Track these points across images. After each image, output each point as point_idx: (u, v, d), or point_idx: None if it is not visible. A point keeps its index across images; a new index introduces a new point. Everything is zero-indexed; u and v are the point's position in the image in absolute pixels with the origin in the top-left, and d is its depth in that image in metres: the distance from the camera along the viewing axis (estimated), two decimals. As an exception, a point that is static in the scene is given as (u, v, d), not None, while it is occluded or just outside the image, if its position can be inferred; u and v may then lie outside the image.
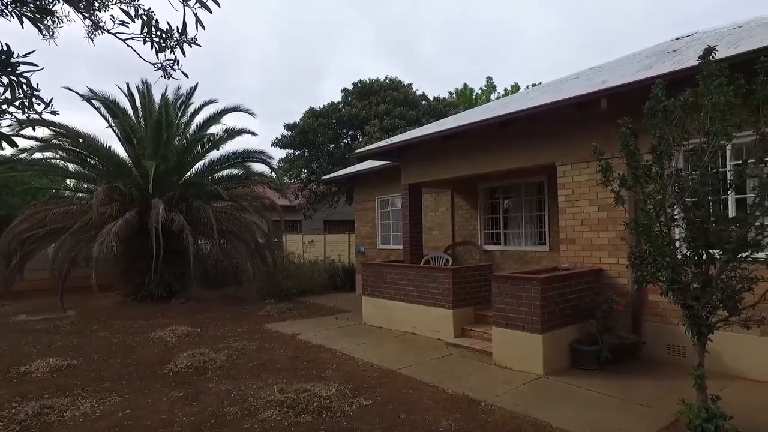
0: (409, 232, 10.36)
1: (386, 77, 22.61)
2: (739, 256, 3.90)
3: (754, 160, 3.87)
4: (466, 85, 31.86)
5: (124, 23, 3.31)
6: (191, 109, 14.34)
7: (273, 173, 14.75)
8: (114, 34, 3.38)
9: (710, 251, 4.06)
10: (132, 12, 3.34)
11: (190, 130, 14.30)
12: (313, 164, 21.19)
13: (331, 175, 16.30)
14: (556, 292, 6.23)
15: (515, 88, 30.22)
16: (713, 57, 3.98)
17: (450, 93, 31.53)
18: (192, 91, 14.22)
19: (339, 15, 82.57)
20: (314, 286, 13.78)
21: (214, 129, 14.13)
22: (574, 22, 66.06)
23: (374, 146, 11.16)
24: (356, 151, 11.63)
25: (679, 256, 4.22)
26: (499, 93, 31.10)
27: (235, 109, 13.92)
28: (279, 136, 21.38)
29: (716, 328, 4.13)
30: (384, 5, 78.69)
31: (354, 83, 22.49)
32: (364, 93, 21.85)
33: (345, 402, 5.10)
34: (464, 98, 30.68)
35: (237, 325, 9.48)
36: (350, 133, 21.96)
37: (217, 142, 13.99)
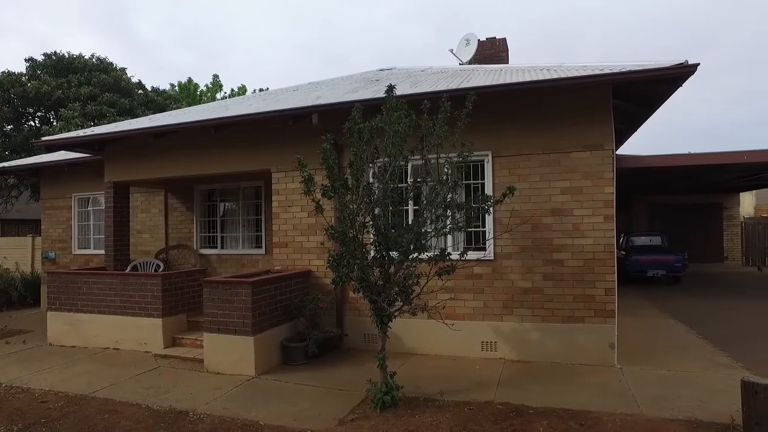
0: (113, 236, 9.16)
1: (93, 55, 19.57)
2: (410, 256, 4.81)
3: (420, 179, 4.85)
4: (190, 80, 29.96)
5: None
6: None
7: None
8: None
9: (390, 253, 4.89)
10: None
11: None
12: (-19, 148, 16.71)
13: (8, 163, 13.10)
14: (268, 294, 6.46)
15: (242, 90, 30.02)
16: (394, 93, 4.81)
17: (172, 85, 29.28)
18: None
19: (29, -32, 67.64)
20: (-24, 303, 10.90)
21: None
22: (306, 36, 70.13)
23: (70, 135, 9.50)
24: (44, 138, 9.62)
25: (369, 258, 4.94)
26: (225, 93, 30.38)
27: None
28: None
29: (395, 317, 4.99)
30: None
31: (46, 54, 18.68)
32: (60, 69, 18.37)
33: (11, 446, 4.21)
34: (188, 93, 28.84)
35: None
36: (39, 114, 18.17)
37: None
